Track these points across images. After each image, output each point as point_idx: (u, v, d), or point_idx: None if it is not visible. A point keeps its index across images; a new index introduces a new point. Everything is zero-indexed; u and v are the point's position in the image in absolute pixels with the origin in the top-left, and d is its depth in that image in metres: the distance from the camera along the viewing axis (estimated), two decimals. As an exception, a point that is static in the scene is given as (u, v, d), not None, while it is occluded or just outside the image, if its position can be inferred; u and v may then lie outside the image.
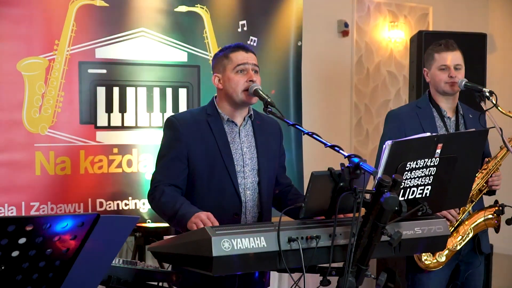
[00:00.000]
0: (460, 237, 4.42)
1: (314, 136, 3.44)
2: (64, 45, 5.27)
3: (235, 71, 3.83)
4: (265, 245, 3.16)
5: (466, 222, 4.44)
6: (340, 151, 3.29)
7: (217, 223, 3.45)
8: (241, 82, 3.80)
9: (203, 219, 3.46)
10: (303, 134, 3.54)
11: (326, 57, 7.46)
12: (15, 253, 2.65)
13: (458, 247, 4.45)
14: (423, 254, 4.41)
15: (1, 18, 5.09)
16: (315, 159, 6.13)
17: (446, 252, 4.43)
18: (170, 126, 3.95)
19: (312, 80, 6.39)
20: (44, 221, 2.66)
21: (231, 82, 3.82)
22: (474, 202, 4.46)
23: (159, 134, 5.19)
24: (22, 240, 2.63)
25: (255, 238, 3.16)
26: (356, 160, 3.09)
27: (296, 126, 3.59)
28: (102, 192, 5.46)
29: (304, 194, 3.33)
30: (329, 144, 3.39)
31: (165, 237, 3.59)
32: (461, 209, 4.40)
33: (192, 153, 3.85)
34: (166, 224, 5.19)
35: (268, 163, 3.98)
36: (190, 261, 3.23)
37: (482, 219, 4.47)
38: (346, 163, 3.21)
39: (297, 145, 6.13)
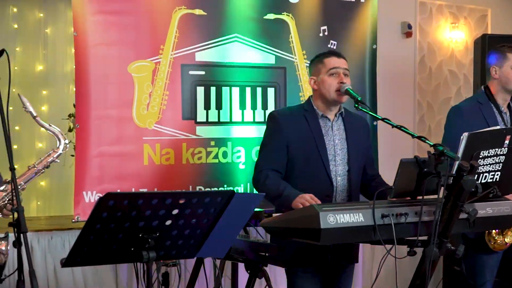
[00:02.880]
0: None
1: (403, 128, 3.97)
2: (169, 49, 5.53)
3: (328, 74, 4.30)
4: (363, 220, 3.66)
5: None
6: (426, 141, 3.83)
7: (319, 202, 3.92)
8: (334, 84, 4.28)
9: (308, 199, 3.95)
10: (392, 127, 4.06)
11: (391, 57, 7.59)
12: (168, 222, 3.20)
13: None
14: (495, 234, 4.70)
15: (113, 26, 5.36)
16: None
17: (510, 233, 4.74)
18: (273, 119, 4.42)
19: (378, 79, 6.57)
20: (193, 195, 3.21)
21: (325, 83, 4.31)
22: None
23: (251, 129, 5.74)
24: (175, 211, 3.18)
25: (354, 214, 3.65)
26: (440, 148, 3.63)
27: (385, 120, 4.11)
28: (201, 180, 5.69)
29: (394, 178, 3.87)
30: (416, 135, 3.93)
31: (274, 215, 4.14)
32: None
33: (291, 143, 4.31)
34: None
35: (357, 154, 4.42)
36: (299, 233, 3.71)
37: None
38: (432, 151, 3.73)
39: (373, 138, 6.22)
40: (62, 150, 3.84)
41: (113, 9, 5.41)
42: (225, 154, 5.85)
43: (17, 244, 3.26)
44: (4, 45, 7.53)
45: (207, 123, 5.79)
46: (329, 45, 6.17)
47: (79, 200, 5.31)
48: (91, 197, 5.31)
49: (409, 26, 7.82)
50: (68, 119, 7.29)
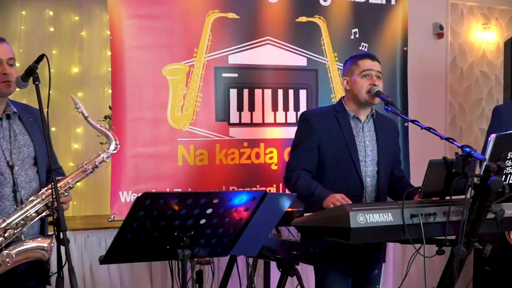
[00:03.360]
0: None
1: (431, 130, 4.04)
2: (202, 52, 5.62)
3: (361, 75, 4.38)
4: (392, 220, 3.73)
5: None
6: (454, 142, 3.90)
7: (350, 202, 4.01)
8: (365, 85, 4.36)
9: (338, 199, 4.04)
10: (421, 129, 4.12)
11: (423, 58, 7.58)
12: (202, 221, 3.30)
13: None
14: None
15: (148, 29, 5.47)
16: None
17: None
18: (304, 119, 4.50)
19: (409, 80, 6.57)
20: (227, 195, 3.29)
21: (357, 84, 4.39)
22: None
23: (283, 130, 5.80)
24: (209, 211, 3.27)
25: (383, 214, 3.73)
26: (468, 149, 3.69)
27: (415, 122, 4.18)
28: (234, 180, 5.76)
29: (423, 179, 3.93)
30: (444, 137, 3.99)
31: (305, 214, 4.23)
32: None
33: (322, 143, 4.39)
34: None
35: (386, 155, 4.49)
36: (329, 232, 3.79)
37: None
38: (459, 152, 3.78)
39: (404, 139, 6.29)
40: (113, 151, 3.92)
41: (148, 13, 5.51)
42: (257, 155, 5.91)
43: (56, 241, 3.38)
44: (40, 48, 7.81)
45: (240, 124, 5.86)
46: (360, 47, 6.21)
47: (115, 200, 5.42)
48: (127, 197, 5.42)
49: (441, 27, 7.82)
50: (104, 120, 7.41)
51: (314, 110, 4.88)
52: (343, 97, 4.56)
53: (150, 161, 5.53)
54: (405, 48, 6.51)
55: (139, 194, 3.05)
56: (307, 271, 5.91)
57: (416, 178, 4.61)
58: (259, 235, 3.64)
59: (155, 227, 3.20)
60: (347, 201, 4.04)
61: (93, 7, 8.76)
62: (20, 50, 8.24)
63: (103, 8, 8.46)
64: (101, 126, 3.94)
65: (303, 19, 6.07)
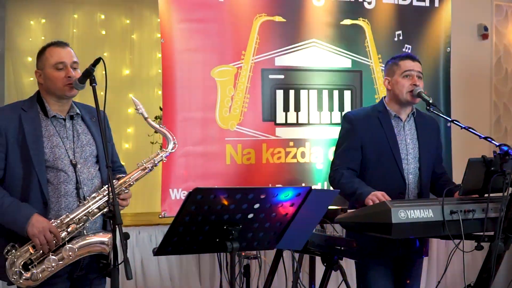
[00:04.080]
0: None
1: (470, 130, 4.17)
2: (250, 55, 5.75)
3: (402, 76, 4.52)
4: (432, 216, 3.89)
5: None
6: (492, 141, 4.03)
7: (389, 199, 4.14)
8: (406, 85, 4.50)
9: (379, 196, 4.18)
10: (461, 129, 4.26)
11: (467, 59, 7.63)
12: (250, 215, 3.45)
13: None
14: None
15: (198, 33, 5.60)
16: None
17: None
18: (347, 120, 4.66)
19: (454, 80, 6.60)
20: (273, 191, 3.44)
21: (399, 84, 4.53)
22: None
23: (328, 130, 5.91)
24: (256, 205, 3.42)
25: (424, 210, 3.89)
26: (505, 148, 3.83)
27: (455, 122, 4.33)
28: (280, 178, 5.83)
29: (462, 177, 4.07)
30: (483, 136, 4.12)
31: (349, 211, 4.39)
32: None
33: (364, 143, 4.54)
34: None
35: (427, 152, 4.62)
36: (372, 227, 3.97)
37: None
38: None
39: (446, 138, 6.35)
40: (171, 150, 4.07)
41: (197, 17, 5.66)
42: (303, 154, 6.00)
43: (113, 234, 3.55)
44: (92, 51, 8.03)
45: (286, 124, 5.96)
46: (404, 49, 6.28)
47: (165, 197, 5.56)
48: (177, 194, 5.55)
49: (485, 28, 7.86)
50: (154, 121, 7.57)
51: (356, 111, 5.00)
52: (385, 97, 4.70)
53: (199, 160, 5.66)
54: (448, 49, 6.55)
55: (191, 190, 3.21)
56: (352, 267, 6.02)
57: (459, 177, 4.66)
58: (304, 230, 3.78)
59: (205, 220, 3.37)
60: (387, 199, 4.17)
61: (143, 11, 8.97)
62: (73, 53, 8.46)
63: (153, 11, 8.71)
64: (161, 127, 4.11)
65: (347, 21, 6.17)
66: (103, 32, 8.92)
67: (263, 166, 5.89)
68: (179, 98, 5.60)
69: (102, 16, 8.95)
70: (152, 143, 7.66)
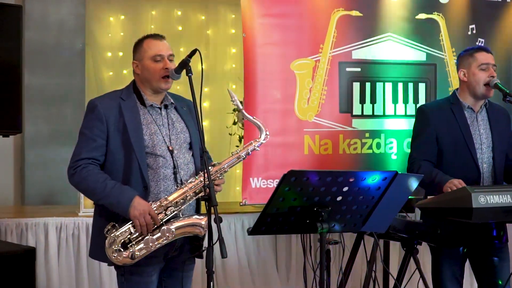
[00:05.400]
0: None
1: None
2: (327, 48, 5.90)
3: (479, 68, 4.65)
4: (510, 201, 4.04)
5: None
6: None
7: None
8: (483, 77, 4.64)
9: (456, 184, 4.35)
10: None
11: None
12: (339, 198, 3.64)
13: None
14: None
15: (278, 27, 5.79)
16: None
17: None
18: (422, 113, 4.82)
19: None
20: (361, 175, 3.62)
21: (476, 77, 4.66)
22: None
23: (403, 122, 6.04)
24: (345, 188, 3.61)
25: (503, 195, 4.03)
26: None
27: (528, 111, 4.46)
28: (356, 168, 5.96)
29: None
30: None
31: (429, 197, 4.54)
32: None
33: (439, 135, 4.69)
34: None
35: (500, 141, 4.76)
36: (452, 212, 4.12)
37: None
38: None
39: None
40: (263, 140, 4.21)
41: (277, 12, 5.84)
42: (378, 145, 6.14)
43: (207, 216, 3.77)
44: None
45: (362, 116, 6.12)
46: (477, 43, 6.36)
47: (246, 185, 5.75)
48: (257, 183, 5.73)
49: (557, 22, 7.82)
50: (232, 113, 7.78)
51: (430, 104, 5.15)
52: (457, 89, 4.84)
53: (278, 150, 5.82)
54: (520, 42, 6.57)
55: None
56: (424, 257, 6.11)
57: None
58: (388, 213, 3.95)
59: (298, 202, 3.57)
60: (464, 186, 4.31)
61: (218, 7, 9.19)
62: (150, 48, 8.70)
63: (228, 7, 8.92)
64: (254, 118, 4.26)
65: (422, 16, 6.28)
66: (180, 28, 9.17)
67: (339, 157, 6.02)
68: (259, 90, 5.78)
69: (179, 13, 9.18)
70: (231, 134, 7.85)
